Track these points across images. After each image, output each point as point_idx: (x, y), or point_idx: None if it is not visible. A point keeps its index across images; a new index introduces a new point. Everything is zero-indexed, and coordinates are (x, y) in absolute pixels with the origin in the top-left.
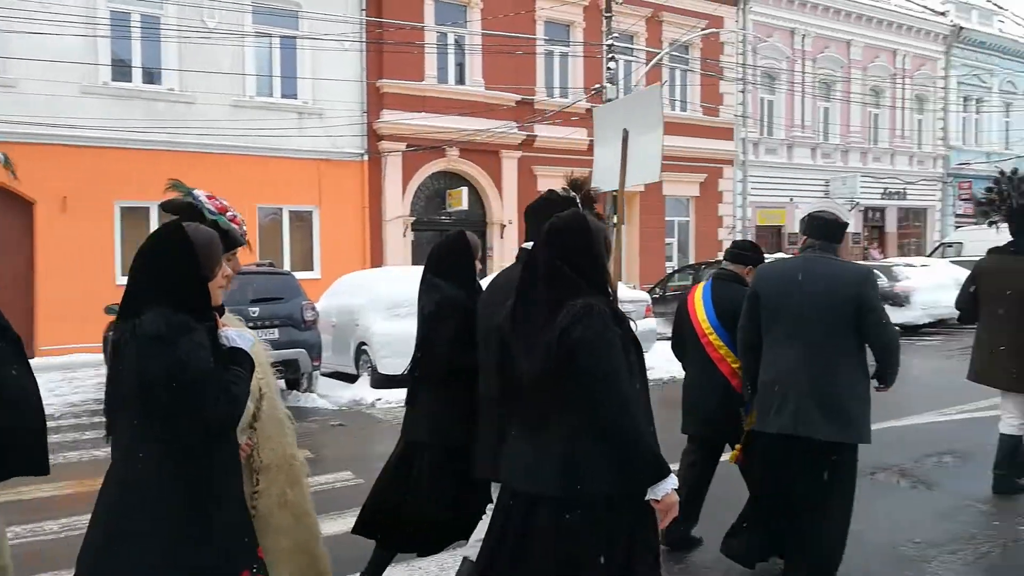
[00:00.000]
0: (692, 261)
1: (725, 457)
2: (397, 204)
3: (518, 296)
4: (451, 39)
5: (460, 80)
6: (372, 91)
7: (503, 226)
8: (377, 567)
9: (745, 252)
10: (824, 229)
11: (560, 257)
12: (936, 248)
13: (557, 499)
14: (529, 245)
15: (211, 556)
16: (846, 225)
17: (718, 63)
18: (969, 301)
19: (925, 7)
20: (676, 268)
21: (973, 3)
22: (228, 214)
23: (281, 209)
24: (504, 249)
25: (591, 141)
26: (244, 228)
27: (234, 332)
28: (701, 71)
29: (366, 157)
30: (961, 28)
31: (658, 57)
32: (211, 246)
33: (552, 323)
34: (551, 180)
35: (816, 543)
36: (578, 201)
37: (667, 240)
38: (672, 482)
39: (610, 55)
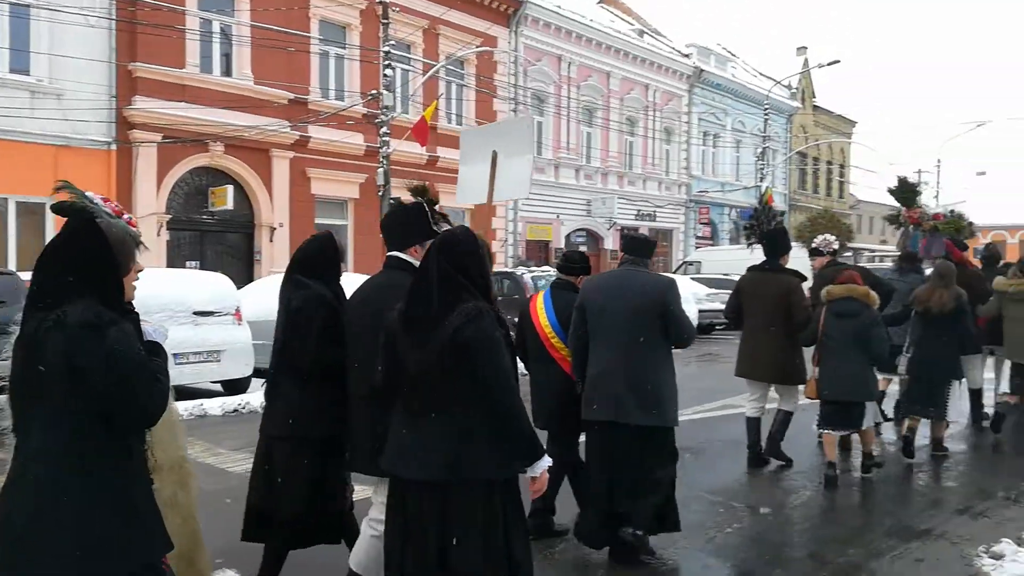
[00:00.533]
0: None
1: None
2: (151, 200)
3: (412, 299)
4: (216, 27)
5: (227, 71)
6: (123, 74)
7: (273, 229)
8: (269, 569)
9: (574, 264)
10: (637, 246)
11: (453, 266)
12: (679, 266)
13: (445, 484)
14: (395, 254)
15: (140, 540)
16: (655, 243)
17: (492, 81)
18: (735, 310)
19: (672, 48)
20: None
21: (711, 49)
22: (124, 217)
23: (7, 199)
24: (275, 253)
25: (368, 147)
26: (139, 231)
27: (150, 327)
28: (476, 87)
29: (114, 146)
30: (701, 70)
31: (434, 69)
32: (126, 243)
33: (446, 323)
34: (326, 183)
35: (647, 515)
36: (427, 207)
37: None
38: (547, 461)
39: (387, 62)
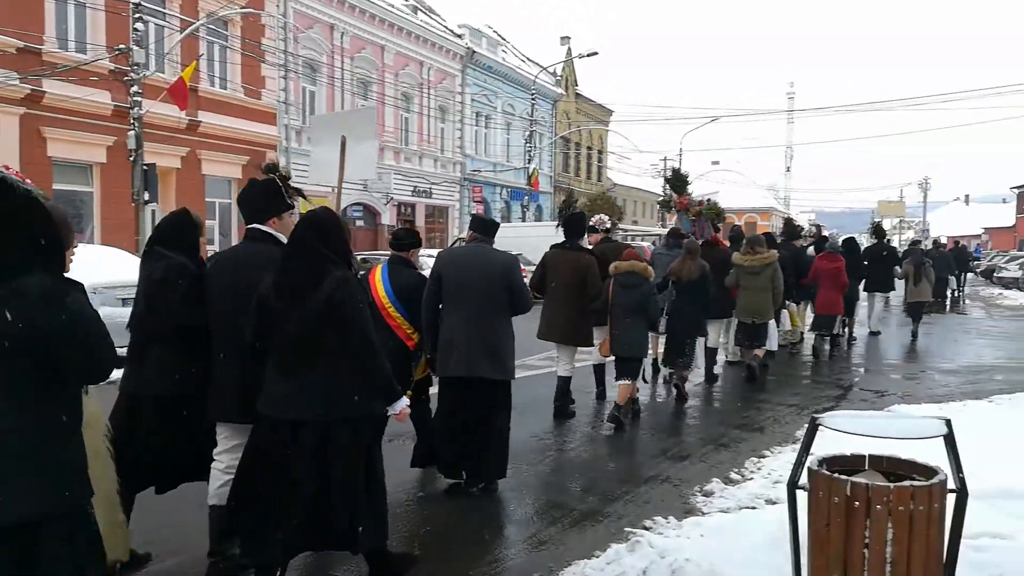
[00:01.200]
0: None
1: None
2: None
3: (286, 269)
4: None
5: None
6: None
7: None
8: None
9: (403, 240)
10: (486, 227)
11: (320, 241)
12: (454, 242)
13: (318, 423)
14: (256, 227)
15: (87, 480)
16: (498, 225)
17: (259, 45)
18: (539, 281)
19: (446, 27)
20: None
21: (483, 31)
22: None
23: None
24: None
25: (117, 107)
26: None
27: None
28: (241, 51)
29: None
30: (473, 52)
31: (193, 27)
32: (67, 219)
33: (319, 289)
34: (65, 145)
35: (488, 454)
36: (280, 182)
37: (208, 221)
38: (405, 401)
39: (137, 15)
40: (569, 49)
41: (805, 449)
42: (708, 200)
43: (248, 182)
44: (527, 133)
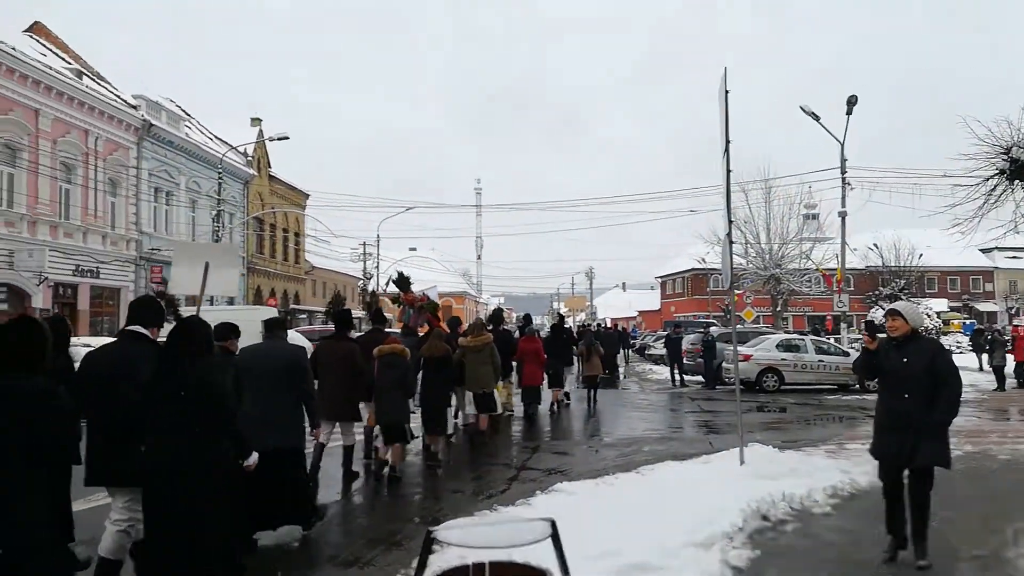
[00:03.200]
0: None
1: None
2: None
3: (168, 359)
4: None
5: None
6: None
7: None
8: None
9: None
10: (269, 324)
11: (191, 340)
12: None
13: (195, 472)
14: (137, 328)
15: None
16: (284, 320)
17: None
18: (314, 367)
19: (119, 96)
20: None
21: (163, 104)
22: None
23: None
24: None
25: None
26: None
27: None
28: None
29: None
30: (151, 124)
31: None
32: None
33: (193, 373)
34: None
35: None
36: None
37: None
38: (255, 456)
39: None
40: (261, 130)
41: (421, 566)
42: (428, 297)
43: (145, 296)
44: (214, 212)
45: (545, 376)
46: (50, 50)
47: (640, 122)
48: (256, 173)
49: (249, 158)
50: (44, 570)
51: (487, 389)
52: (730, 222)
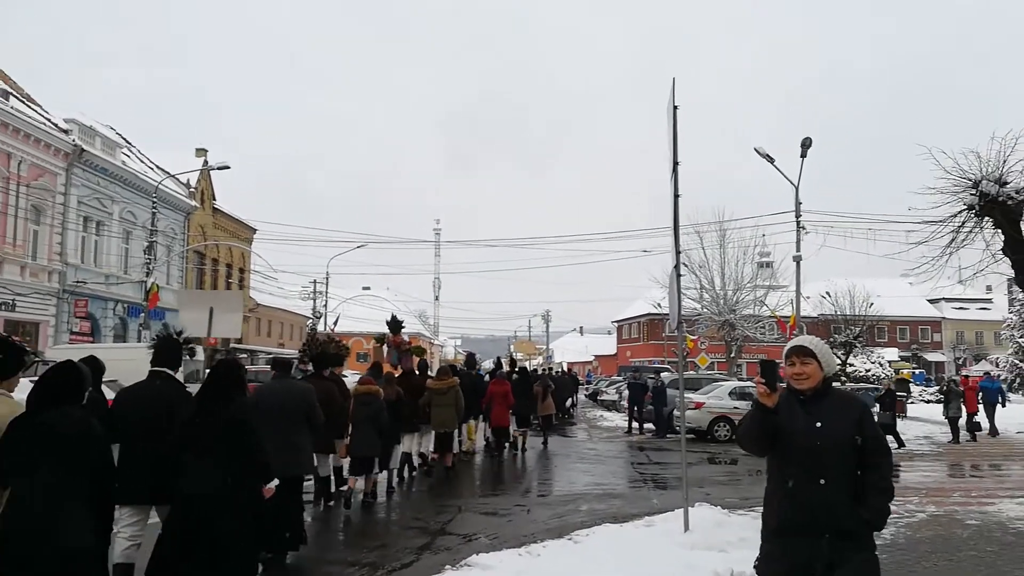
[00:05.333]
0: None
1: None
2: None
3: (207, 397)
4: None
5: None
6: None
7: None
8: None
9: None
10: (278, 363)
11: (229, 379)
12: (31, 364)
13: (223, 496)
14: (164, 369)
15: None
16: (291, 362)
17: None
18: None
19: (48, 119)
20: None
21: (97, 129)
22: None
23: None
24: None
25: None
26: None
27: None
28: None
29: None
30: (83, 150)
31: None
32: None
33: (228, 409)
34: None
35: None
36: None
37: None
38: (275, 482)
39: None
40: (206, 160)
41: None
42: (411, 342)
43: (167, 337)
44: (147, 244)
45: (512, 417)
46: None
47: (604, 157)
48: (199, 205)
49: (192, 189)
50: (96, 565)
51: (448, 429)
52: (678, 252)
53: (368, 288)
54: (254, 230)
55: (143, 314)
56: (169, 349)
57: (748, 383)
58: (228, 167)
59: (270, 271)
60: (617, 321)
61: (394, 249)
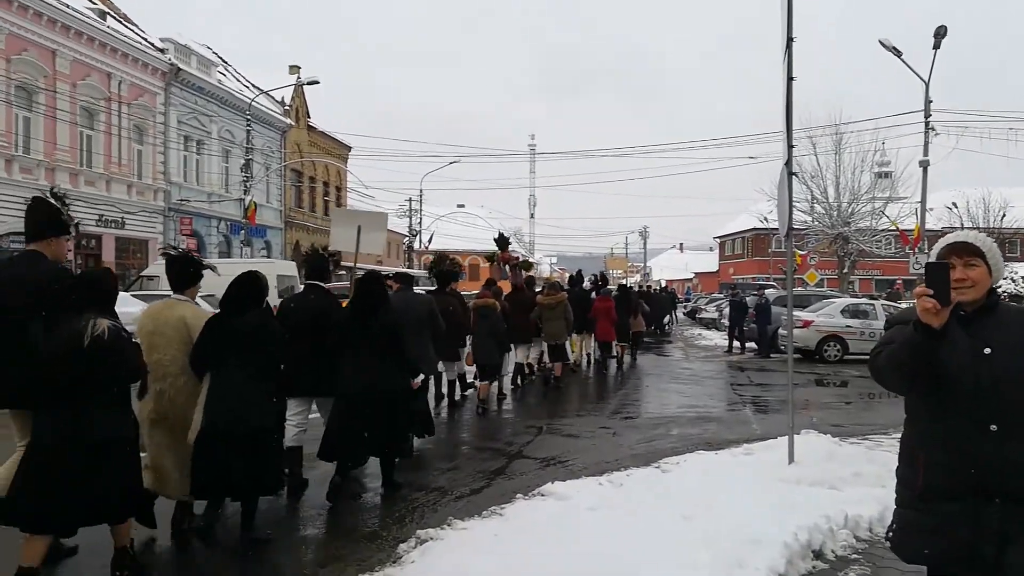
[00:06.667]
0: None
1: None
2: None
3: (361, 304)
4: None
5: None
6: None
7: None
8: None
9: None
10: (401, 277)
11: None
12: (135, 280)
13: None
14: (318, 283)
15: None
16: (412, 276)
17: None
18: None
19: (144, 39)
20: None
21: (192, 48)
22: None
23: None
24: None
25: None
26: None
27: None
28: None
29: None
30: (180, 69)
31: None
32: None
33: (380, 317)
34: None
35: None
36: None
37: None
38: (420, 378)
39: None
40: (299, 78)
41: None
42: (520, 258)
43: (313, 251)
44: (243, 161)
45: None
46: None
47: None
48: (294, 123)
49: (287, 107)
50: (276, 442)
51: (559, 341)
52: (790, 147)
53: (463, 206)
54: (349, 147)
55: (243, 231)
56: (319, 265)
57: (863, 300)
58: (318, 82)
59: (368, 190)
60: (719, 237)
61: (488, 163)
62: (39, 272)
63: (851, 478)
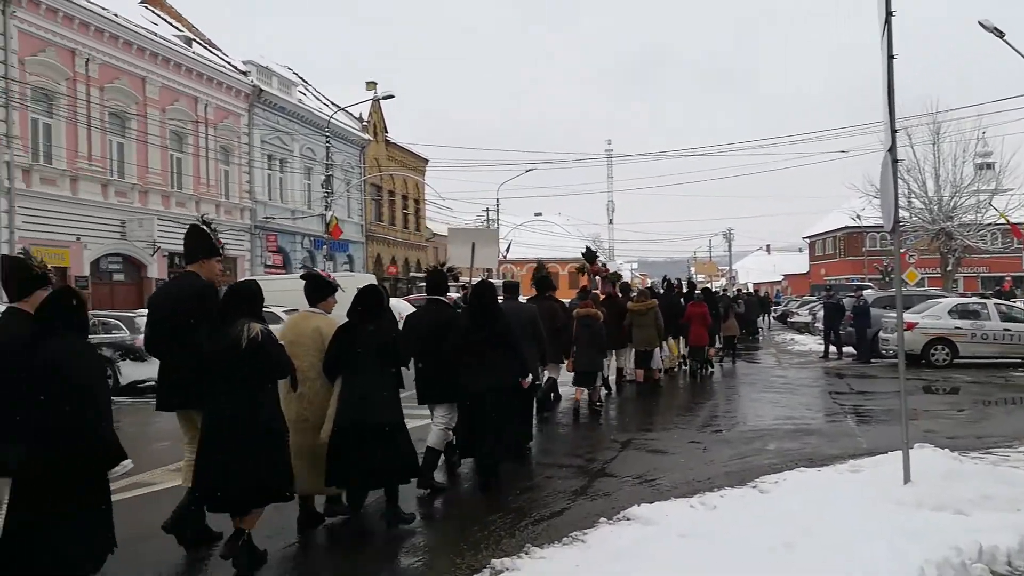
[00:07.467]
0: None
1: None
2: None
3: (479, 316)
4: None
5: None
6: None
7: None
8: None
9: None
10: (508, 287)
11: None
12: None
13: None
14: (440, 297)
15: None
16: (517, 284)
17: None
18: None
19: (228, 62)
20: None
21: (273, 69)
22: None
23: None
24: None
25: None
26: None
27: None
28: None
29: None
30: (262, 90)
31: None
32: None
33: (495, 324)
34: None
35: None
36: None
37: None
38: (529, 378)
39: None
40: (376, 94)
41: None
42: (609, 269)
43: (435, 269)
44: (324, 178)
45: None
46: (163, 19)
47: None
48: (372, 138)
49: (365, 123)
50: (405, 434)
51: (650, 347)
52: (893, 132)
53: (540, 214)
54: (426, 160)
55: (325, 245)
56: (438, 281)
57: (973, 299)
58: (393, 96)
59: (444, 201)
60: (809, 236)
61: (565, 169)
62: (194, 289)
63: (980, 500)
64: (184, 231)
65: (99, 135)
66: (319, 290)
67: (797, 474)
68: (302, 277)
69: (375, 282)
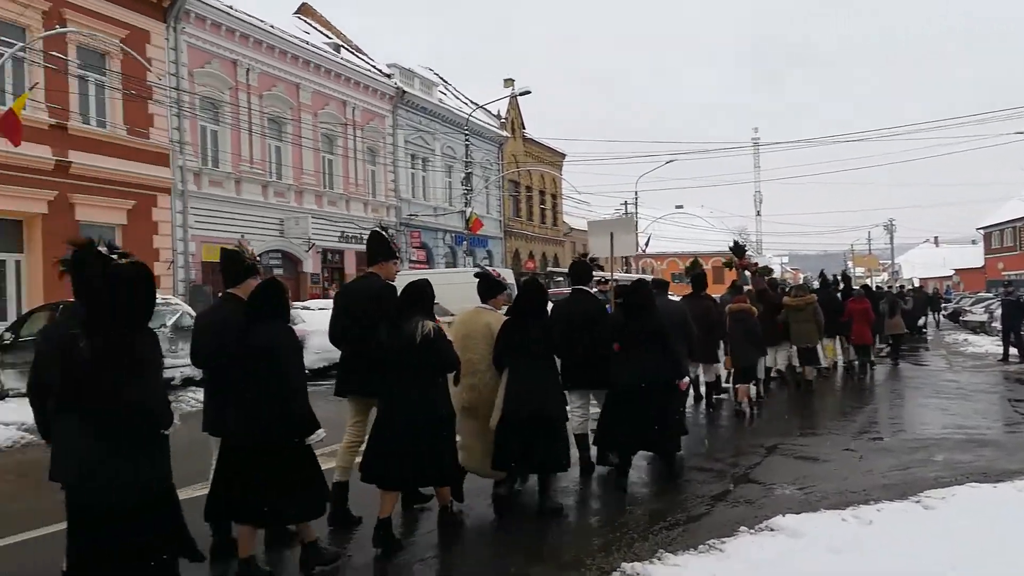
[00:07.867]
0: None
1: None
2: None
3: (633, 308)
4: None
5: None
6: None
7: None
8: None
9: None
10: (658, 283)
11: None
12: None
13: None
14: (585, 288)
15: None
16: (667, 282)
17: (145, 81)
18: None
19: (373, 66)
20: (32, 308)
21: (415, 71)
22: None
23: None
24: None
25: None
26: None
27: None
28: (124, 88)
29: None
30: (404, 92)
31: (9, 52)
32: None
33: (645, 318)
34: None
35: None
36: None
37: None
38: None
39: None
40: (513, 89)
41: None
42: (757, 263)
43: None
44: (463, 175)
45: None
46: (314, 28)
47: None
48: (510, 135)
49: (503, 120)
50: (564, 427)
51: (810, 344)
52: None
53: (681, 206)
54: (563, 155)
55: (465, 241)
56: (581, 271)
57: None
58: (529, 92)
59: (577, 195)
60: (983, 227)
61: (708, 159)
62: (374, 288)
63: None
64: (334, 229)
65: (259, 139)
66: (491, 288)
67: (968, 489)
68: (475, 275)
69: (528, 278)
